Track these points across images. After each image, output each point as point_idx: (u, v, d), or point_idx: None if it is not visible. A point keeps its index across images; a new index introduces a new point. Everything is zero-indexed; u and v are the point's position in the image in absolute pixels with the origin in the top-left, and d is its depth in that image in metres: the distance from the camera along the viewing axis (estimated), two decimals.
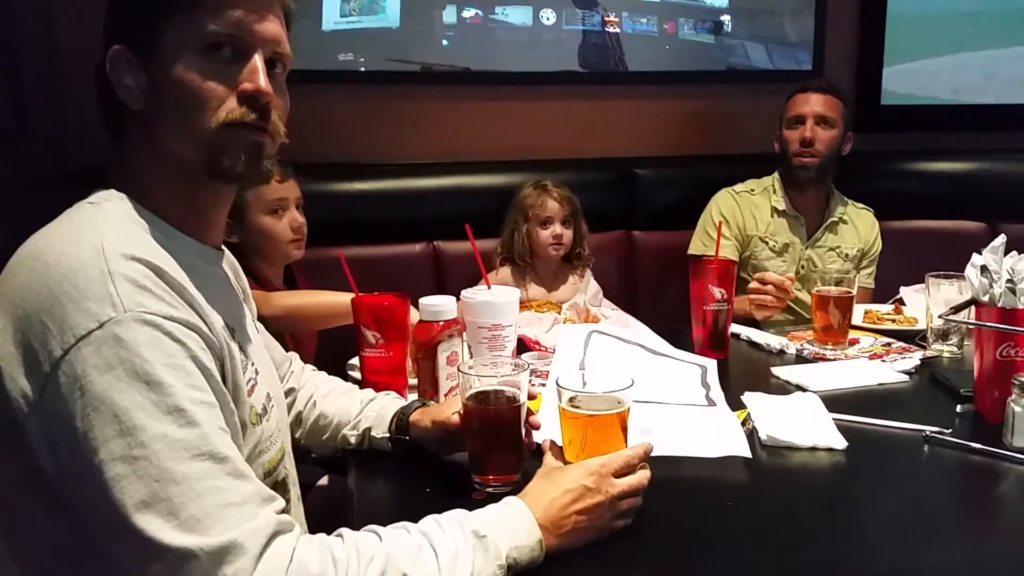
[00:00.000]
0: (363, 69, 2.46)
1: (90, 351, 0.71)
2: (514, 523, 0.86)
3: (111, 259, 0.75)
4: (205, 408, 0.75)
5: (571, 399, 1.01)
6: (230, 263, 1.08)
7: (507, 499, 0.90)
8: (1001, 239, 1.25)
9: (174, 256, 0.82)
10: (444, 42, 2.51)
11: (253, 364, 0.95)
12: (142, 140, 0.88)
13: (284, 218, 1.83)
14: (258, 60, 0.87)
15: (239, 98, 0.86)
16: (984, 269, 1.22)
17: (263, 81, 0.86)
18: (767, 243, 2.27)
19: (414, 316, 1.34)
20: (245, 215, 1.79)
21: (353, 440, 1.19)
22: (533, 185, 2.22)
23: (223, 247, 1.00)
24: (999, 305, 1.21)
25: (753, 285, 1.84)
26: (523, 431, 1.04)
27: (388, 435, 1.16)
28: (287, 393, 1.21)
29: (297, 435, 1.22)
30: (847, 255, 2.29)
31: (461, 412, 1.04)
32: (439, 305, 1.28)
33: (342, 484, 1.70)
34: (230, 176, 0.88)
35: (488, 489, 1.02)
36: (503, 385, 1.03)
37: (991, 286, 1.22)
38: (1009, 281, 1.20)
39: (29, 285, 0.75)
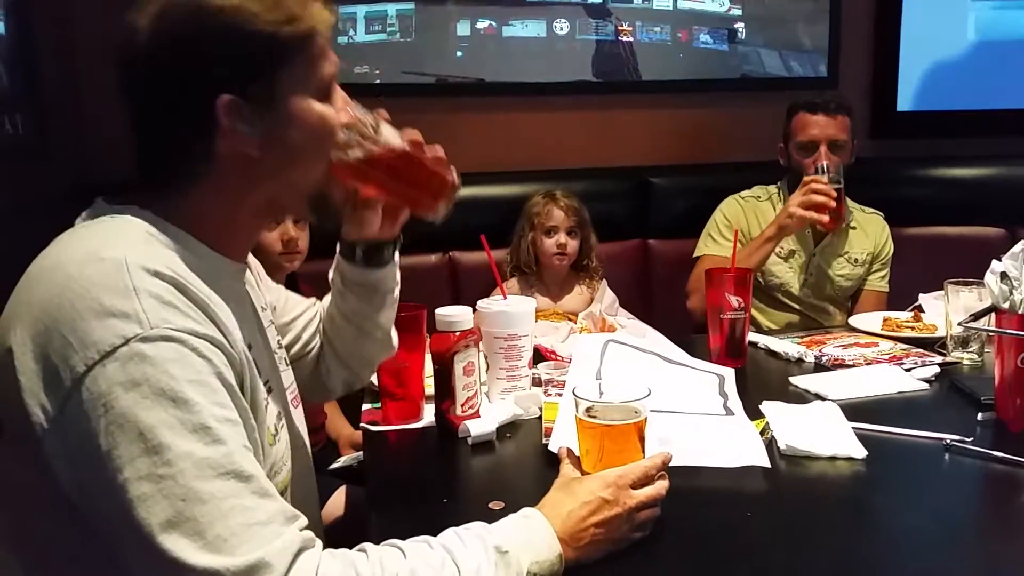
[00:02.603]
0: (378, 81, 2.48)
1: (115, 368, 0.71)
2: (535, 537, 0.86)
3: (135, 274, 0.75)
4: (230, 426, 0.75)
5: (588, 409, 1.01)
6: (251, 265, 1.09)
7: (526, 512, 0.90)
8: (1021, 245, 1.24)
9: (197, 271, 0.82)
10: (458, 53, 2.52)
11: (267, 382, 0.95)
12: (228, 184, 0.88)
13: (275, 230, 1.80)
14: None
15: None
16: (1004, 275, 1.21)
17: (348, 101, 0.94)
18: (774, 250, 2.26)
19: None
20: None
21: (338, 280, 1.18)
22: (542, 194, 2.22)
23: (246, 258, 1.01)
24: (1020, 312, 1.20)
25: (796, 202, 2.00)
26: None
27: (344, 252, 1.16)
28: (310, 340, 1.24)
29: (338, 349, 1.23)
30: (856, 260, 2.27)
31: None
32: (455, 316, 1.28)
33: (359, 495, 1.72)
34: (333, 216, 0.97)
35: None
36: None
37: (1011, 292, 1.21)
38: None
39: (50, 298, 0.74)
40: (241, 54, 0.83)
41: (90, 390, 0.71)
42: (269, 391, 0.95)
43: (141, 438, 0.70)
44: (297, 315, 1.23)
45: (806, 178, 2.07)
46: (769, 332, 2.03)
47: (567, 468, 1.00)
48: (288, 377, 1.09)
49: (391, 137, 0.98)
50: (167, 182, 0.87)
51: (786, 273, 2.25)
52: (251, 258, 1.06)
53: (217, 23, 0.82)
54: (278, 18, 0.84)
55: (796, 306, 2.28)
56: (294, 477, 0.99)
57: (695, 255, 2.29)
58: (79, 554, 0.78)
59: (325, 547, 0.80)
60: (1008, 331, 1.19)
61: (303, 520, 0.78)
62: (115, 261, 0.75)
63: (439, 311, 1.29)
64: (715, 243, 2.26)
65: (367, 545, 0.81)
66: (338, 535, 1.13)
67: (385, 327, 1.22)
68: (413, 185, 1.03)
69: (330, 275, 1.21)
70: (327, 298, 1.25)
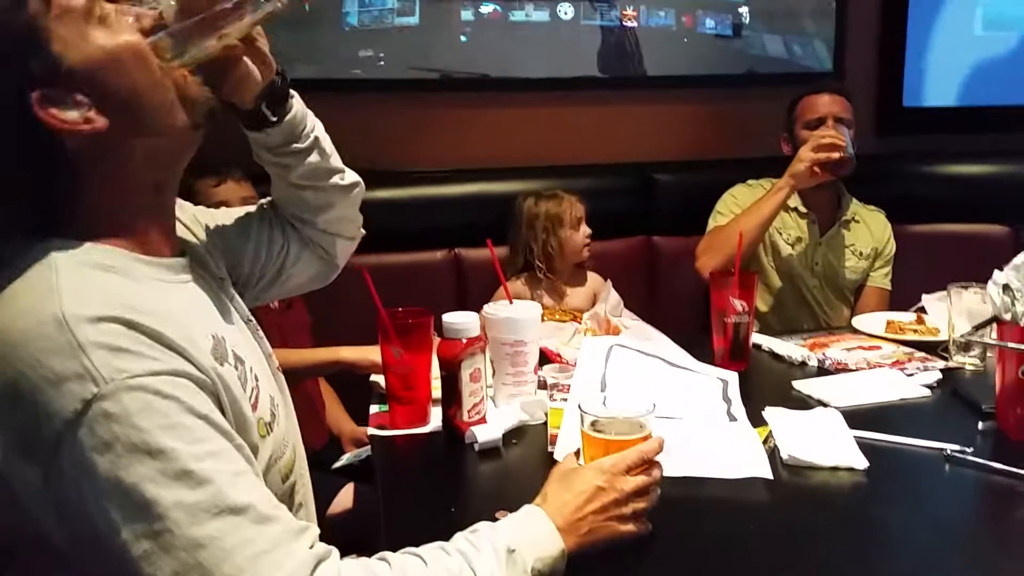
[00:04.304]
0: (384, 77, 2.48)
1: (83, 434, 0.69)
2: (537, 533, 0.88)
3: (77, 329, 0.71)
4: (213, 460, 0.73)
5: (593, 423, 1.02)
6: (188, 217, 1.05)
7: (528, 508, 0.92)
8: (1023, 257, 1.24)
9: (135, 286, 0.79)
10: (462, 38, 2.52)
11: (251, 368, 0.92)
12: (90, 172, 0.83)
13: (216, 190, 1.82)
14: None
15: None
16: (1006, 287, 1.22)
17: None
18: (781, 235, 2.27)
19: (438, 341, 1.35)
20: None
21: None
22: (546, 196, 2.25)
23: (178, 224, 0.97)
24: (1021, 324, 1.21)
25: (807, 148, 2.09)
26: None
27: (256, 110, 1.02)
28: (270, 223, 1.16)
29: (308, 221, 1.16)
30: (861, 252, 2.30)
31: None
32: (463, 323, 1.29)
33: (366, 493, 1.75)
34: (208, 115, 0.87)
35: None
36: None
37: (1013, 304, 1.22)
38: None
39: (2, 376, 0.71)
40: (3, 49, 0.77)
41: (67, 460, 0.69)
42: (256, 377, 0.92)
43: (128, 499, 0.69)
44: (247, 235, 1.15)
45: (815, 133, 2.16)
46: (776, 332, 2.05)
47: (565, 459, 1.02)
48: (266, 345, 1.06)
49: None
50: (50, 208, 0.82)
51: (794, 259, 2.27)
52: (179, 206, 1.00)
53: None
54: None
55: (809, 299, 2.29)
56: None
57: (709, 229, 2.30)
58: None
59: (334, 544, 0.80)
60: (1009, 344, 1.20)
61: (313, 532, 0.78)
62: (55, 321, 0.71)
63: (446, 318, 1.31)
64: (725, 218, 2.27)
65: (388, 554, 0.82)
66: (348, 533, 1.16)
67: (334, 166, 1.14)
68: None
69: (255, 158, 1.11)
70: (270, 194, 1.18)
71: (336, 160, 1.14)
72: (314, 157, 1.09)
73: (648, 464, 0.98)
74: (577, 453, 1.05)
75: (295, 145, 1.07)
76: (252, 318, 1.08)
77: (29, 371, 0.70)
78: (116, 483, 0.69)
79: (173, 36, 0.85)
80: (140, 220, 0.86)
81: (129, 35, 0.82)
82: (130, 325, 0.73)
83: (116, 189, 0.84)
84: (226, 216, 1.15)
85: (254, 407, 0.88)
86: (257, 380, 0.92)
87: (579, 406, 1.04)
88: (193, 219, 1.08)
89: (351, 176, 1.17)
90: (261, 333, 1.08)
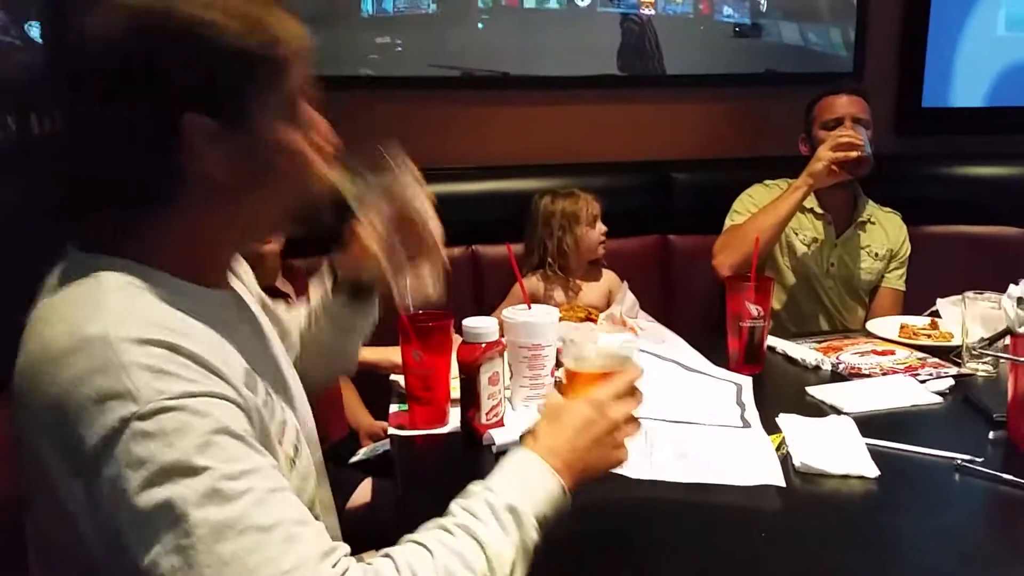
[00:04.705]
0: (403, 74, 2.50)
1: (120, 451, 0.71)
2: (535, 482, 0.87)
3: (120, 350, 0.73)
4: (246, 479, 0.74)
5: (576, 357, 1.02)
6: (244, 271, 1.10)
7: (523, 457, 0.90)
8: None
9: (184, 311, 0.80)
10: (479, 25, 2.54)
11: (279, 399, 0.93)
12: (198, 210, 0.85)
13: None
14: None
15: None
16: (1020, 300, 1.24)
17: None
18: (797, 235, 2.29)
19: (456, 340, 1.38)
20: None
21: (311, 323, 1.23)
22: (562, 195, 2.28)
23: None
24: None
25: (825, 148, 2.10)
26: None
27: (330, 290, 1.22)
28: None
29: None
30: (877, 254, 2.31)
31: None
32: (482, 328, 1.32)
33: (384, 488, 1.78)
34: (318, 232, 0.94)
35: None
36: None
37: None
38: None
39: (48, 391, 0.74)
40: (211, 71, 0.79)
41: (105, 476, 0.71)
42: (283, 408, 0.93)
43: (158, 515, 0.70)
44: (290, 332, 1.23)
45: (833, 133, 2.17)
46: (791, 333, 2.07)
47: (551, 394, 1.00)
48: (296, 380, 1.09)
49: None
50: (129, 212, 0.84)
51: (809, 259, 2.29)
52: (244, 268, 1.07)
53: (187, 36, 0.78)
54: (254, 35, 0.80)
55: (824, 299, 2.31)
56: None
57: (726, 227, 2.31)
58: None
59: (353, 537, 0.82)
60: (1021, 360, 1.21)
61: (341, 549, 0.78)
62: (100, 340, 0.73)
63: (466, 323, 1.33)
64: (742, 217, 2.29)
65: (392, 551, 0.80)
66: (366, 526, 1.19)
67: (353, 357, 1.28)
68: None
69: (312, 297, 1.24)
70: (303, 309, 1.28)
71: (355, 349, 1.30)
72: (346, 343, 1.26)
73: (633, 390, 0.97)
74: (560, 390, 1.03)
75: (343, 327, 1.23)
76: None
77: (73, 389, 0.72)
78: (148, 499, 0.70)
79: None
80: (201, 255, 0.88)
81: (305, 142, 0.87)
82: (172, 348, 0.75)
83: (196, 226, 0.86)
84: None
85: (280, 441, 0.90)
86: (284, 410, 0.94)
87: (562, 338, 1.03)
88: (251, 283, 1.14)
89: (353, 363, 1.32)
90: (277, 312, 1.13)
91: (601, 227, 2.27)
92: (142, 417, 0.71)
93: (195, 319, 0.80)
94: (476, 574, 0.78)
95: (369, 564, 0.79)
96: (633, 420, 0.96)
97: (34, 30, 1.85)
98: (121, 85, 0.78)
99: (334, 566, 0.76)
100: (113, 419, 0.71)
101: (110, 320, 0.75)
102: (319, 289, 1.26)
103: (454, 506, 0.85)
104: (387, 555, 0.80)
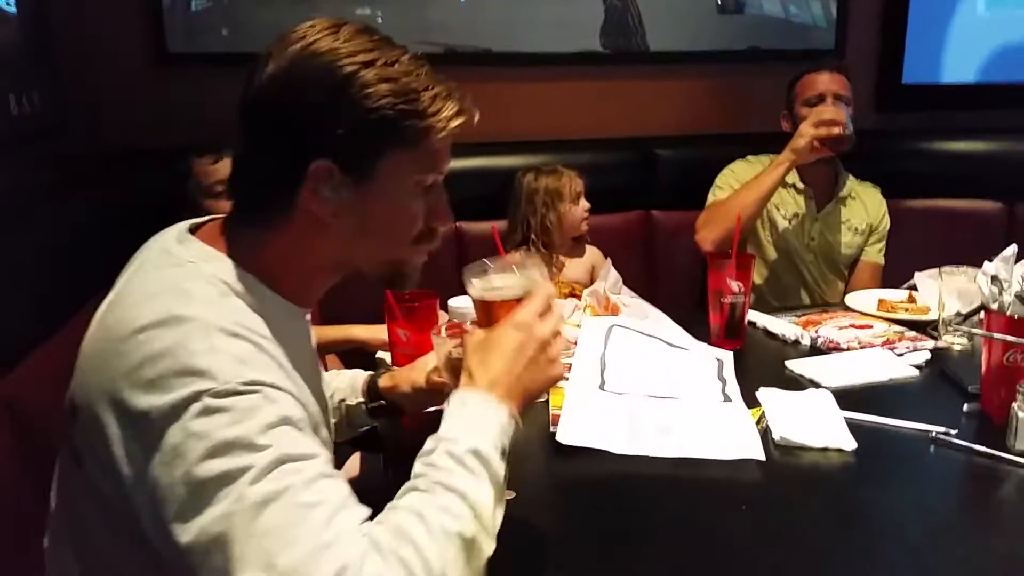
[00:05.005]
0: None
1: (188, 422, 0.74)
2: (484, 420, 0.88)
3: (215, 336, 0.78)
4: (300, 463, 0.77)
5: (485, 288, 1.02)
6: None
7: (461, 398, 0.90)
8: (1012, 249, 1.28)
9: (265, 318, 0.85)
10: (462, 0, 2.53)
11: (322, 430, 0.97)
12: (300, 238, 0.90)
13: (222, 202, 1.79)
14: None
15: (433, 231, 0.96)
16: (995, 278, 1.26)
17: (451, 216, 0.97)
18: (778, 210, 2.31)
19: (443, 317, 1.40)
20: (192, 202, 1.82)
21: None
22: (545, 171, 2.29)
23: None
24: (1008, 313, 1.25)
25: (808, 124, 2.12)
26: None
27: (363, 401, 1.25)
28: None
29: None
30: (857, 229, 2.34)
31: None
32: (468, 307, 1.32)
33: (372, 461, 1.80)
34: (402, 289, 0.98)
35: None
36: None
37: (1000, 294, 1.26)
38: (1019, 291, 1.24)
39: (127, 360, 0.77)
40: (354, 128, 0.84)
41: (167, 444, 0.75)
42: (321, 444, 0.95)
43: (213, 485, 0.73)
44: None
45: (815, 109, 2.19)
46: (772, 307, 2.10)
47: (475, 332, 0.99)
48: (331, 425, 1.12)
49: None
50: (249, 225, 0.90)
51: (790, 234, 2.32)
52: None
53: (342, 91, 0.83)
54: (404, 106, 0.85)
55: (805, 273, 2.34)
56: None
57: (708, 203, 2.33)
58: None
59: None
60: (995, 335, 1.24)
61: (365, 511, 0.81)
62: (195, 323, 0.78)
63: (452, 303, 1.35)
64: (724, 192, 2.30)
65: (385, 520, 0.80)
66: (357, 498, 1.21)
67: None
68: None
69: (333, 381, 1.27)
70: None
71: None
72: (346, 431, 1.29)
73: (550, 306, 0.97)
74: (479, 325, 1.03)
75: (354, 422, 1.28)
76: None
77: (160, 362, 0.76)
78: (207, 470, 0.73)
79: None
80: (294, 274, 0.93)
81: (421, 210, 0.93)
82: (256, 345, 0.81)
83: (300, 252, 0.91)
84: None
85: None
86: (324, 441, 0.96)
87: (463, 273, 1.03)
88: None
89: None
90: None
91: (584, 204, 2.28)
92: (216, 395, 0.75)
93: (271, 329, 0.85)
94: (464, 521, 0.80)
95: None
96: (558, 334, 0.96)
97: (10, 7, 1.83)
98: (271, 123, 0.87)
99: (363, 535, 0.78)
100: (187, 392, 0.75)
101: (200, 307, 0.80)
102: (346, 387, 1.28)
103: (420, 466, 0.85)
104: (380, 522, 0.80)
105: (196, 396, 0.75)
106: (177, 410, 0.75)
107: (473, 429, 0.87)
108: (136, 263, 0.91)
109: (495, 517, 0.84)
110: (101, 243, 1.86)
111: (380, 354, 1.61)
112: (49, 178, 1.85)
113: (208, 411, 0.75)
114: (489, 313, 1.01)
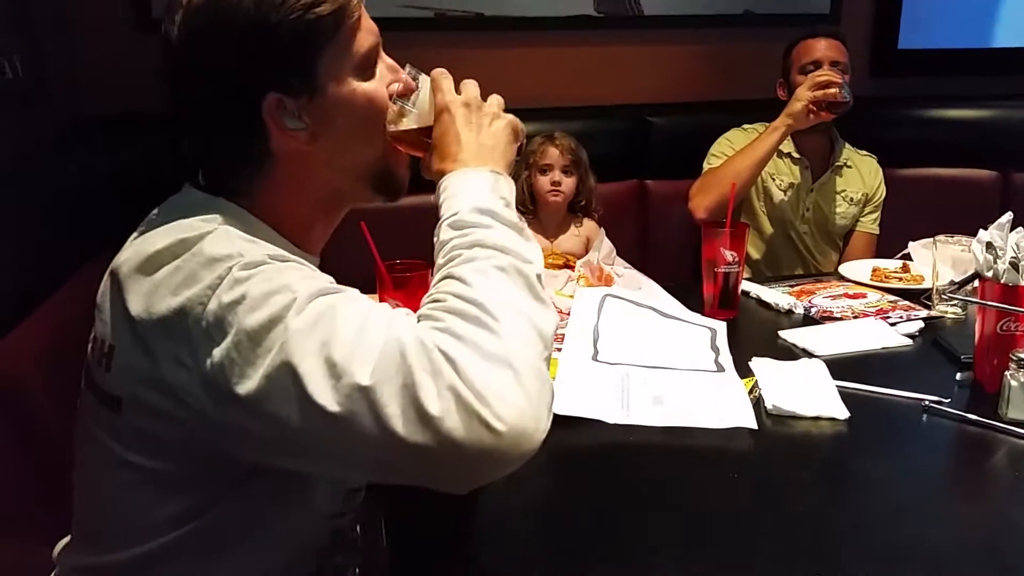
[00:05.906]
0: (373, 15, 2.44)
1: (224, 293, 0.74)
2: (473, 183, 0.87)
3: (234, 239, 0.79)
4: (338, 293, 0.77)
5: (400, 110, 0.95)
6: None
7: (443, 181, 0.89)
8: (1008, 216, 1.27)
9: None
10: None
11: None
12: (290, 180, 0.89)
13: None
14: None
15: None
16: (989, 245, 1.25)
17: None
18: (774, 180, 2.30)
19: None
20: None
21: None
22: (542, 136, 2.24)
23: None
24: (1002, 281, 1.24)
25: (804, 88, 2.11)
26: None
27: None
28: None
29: None
30: (852, 199, 2.33)
31: None
32: None
33: None
34: (398, 197, 0.95)
35: None
36: None
37: (995, 262, 1.25)
38: (1014, 258, 1.23)
39: (156, 274, 0.77)
40: (272, 48, 0.82)
41: (208, 323, 0.74)
42: None
43: (263, 331, 0.72)
44: None
45: (811, 74, 2.17)
46: (766, 277, 2.09)
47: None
48: None
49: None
50: (238, 182, 0.88)
51: (786, 204, 2.30)
52: None
53: (241, 21, 0.81)
54: (304, 2, 0.82)
55: (799, 244, 2.33)
56: None
57: (705, 170, 2.31)
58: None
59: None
60: (989, 303, 1.24)
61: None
62: (217, 231, 0.80)
63: None
64: (719, 160, 2.28)
65: (437, 301, 0.78)
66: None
67: None
68: None
69: None
70: None
71: None
72: None
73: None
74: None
75: None
76: None
77: (193, 263, 0.76)
78: (246, 324, 0.72)
79: (404, 116, 0.92)
80: (299, 219, 0.92)
81: (382, 91, 0.90)
82: (284, 261, 0.80)
83: (295, 191, 0.90)
84: None
85: None
86: None
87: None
88: None
89: None
90: None
91: (553, 176, 2.18)
92: (245, 266, 0.76)
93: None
94: (495, 258, 0.79)
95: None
96: (491, 95, 0.96)
97: None
98: (200, 83, 0.85)
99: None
100: (216, 273, 0.75)
101: (240, 245, 0.79)
102: None
103: (448, 244, 0.83)
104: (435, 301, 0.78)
105: (226, 271, 0.75)
106: (210, 290, 0.74)
107: (469, 194, 0.85)
108: (143, 225, 0.88)
109: (528, 250, 0.83)
110: (82, 211, 1.84)
111: None
112: (28, 145, 1.82)
113: (239, 281, 0.74)
114: (421, 140, 0.96)
